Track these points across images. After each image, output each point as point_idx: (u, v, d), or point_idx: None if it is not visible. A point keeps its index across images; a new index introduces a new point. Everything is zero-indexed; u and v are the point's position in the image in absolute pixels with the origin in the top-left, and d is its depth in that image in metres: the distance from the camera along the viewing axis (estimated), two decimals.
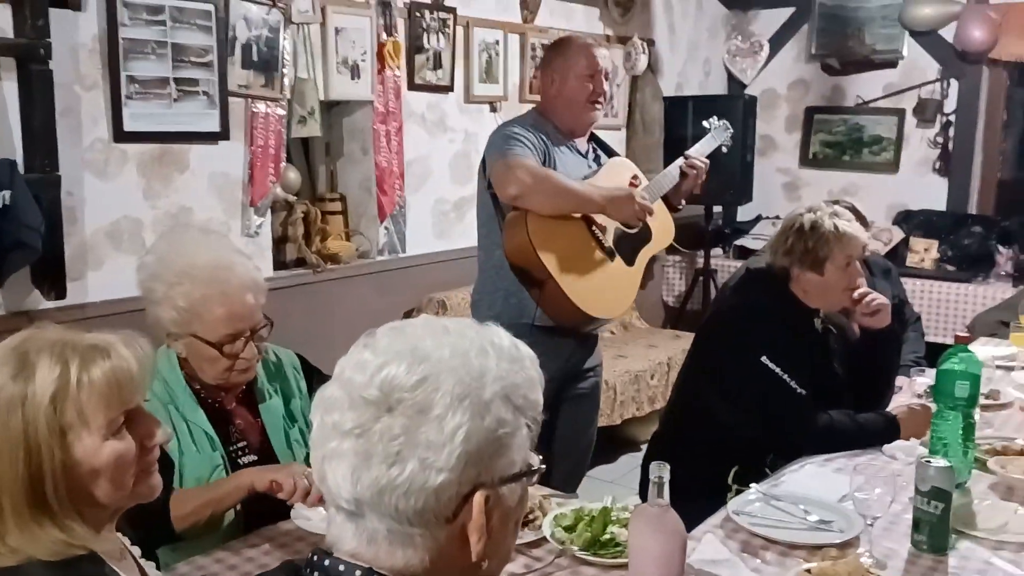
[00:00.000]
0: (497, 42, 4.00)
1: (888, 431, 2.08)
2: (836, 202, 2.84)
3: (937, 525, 1.54)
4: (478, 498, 0.78)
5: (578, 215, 2.43)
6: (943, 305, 4.38)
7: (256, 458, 1.81)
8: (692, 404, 2.31)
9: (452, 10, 3.78)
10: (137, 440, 1.15)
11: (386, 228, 3.66)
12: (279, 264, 3.35)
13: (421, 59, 3.69)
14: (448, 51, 3.79)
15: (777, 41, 5.37)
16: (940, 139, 4.92)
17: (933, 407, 2.15)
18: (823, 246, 2.13)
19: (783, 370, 2.08)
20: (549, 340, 2.37)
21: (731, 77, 5.51)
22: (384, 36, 3.51)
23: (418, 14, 3.65)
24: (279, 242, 3.38)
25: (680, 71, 5.19)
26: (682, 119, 4.65)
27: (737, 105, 4.70)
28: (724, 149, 2.83)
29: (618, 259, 2.51)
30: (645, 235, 2.59)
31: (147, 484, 1.17)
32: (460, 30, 3.85)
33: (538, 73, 2.66)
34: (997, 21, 4.55)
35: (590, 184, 2.44)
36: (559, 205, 2.36)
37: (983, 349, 3.00)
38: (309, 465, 1.86)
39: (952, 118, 4.87)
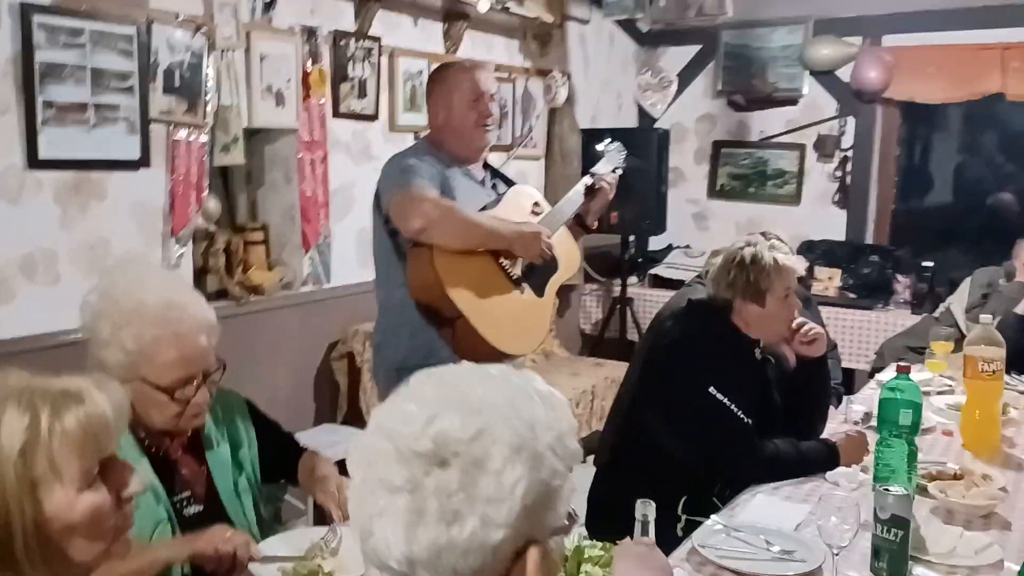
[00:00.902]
0: (421, 72, 3.98)
1: (829, 459, 2.15)
2: (764, 234, 2.95)
3: (896, 552, 1.59)
4: (533, 553, 0.76)
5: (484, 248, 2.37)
6: (848, 332, 4.59)
7: (202, 508, 1.72)
8: (637, 436, 2.33)
9: (377, 39, 3.75)
10: (112, 491, 1.07)
11: (310, 258, 3.58)
12: None
13: (346, 87, 3.64)
14: (373, 80, 3.76)
15: (685, 77, 5.56)
16: (839, 173, 5.17)
17: (868, 434, 2.27)
18: (764, 279, 2.20)
19: (730, 400, 2.12)
20: None
21: (642, 111, 5.66)
22: (309, 64, 3.45)
23: (343, 42, 3.60)
24: (199, 273, 3.25)
25: (595, 104, 5.30)
26: (599, 151, 4.73)
27: (652, 138, 4.83)
28: (619, 171, 2.75)
29: (528, 291, 2.44)
30: (552, 264, 2.51)
31: (123, 540, 1.09)
32: (385, 59, 3.82)
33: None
34: (890, 63, 4.84)
35: (496, 217, 2.39)
36: (466, 239, 2.28)
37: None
38: (257, 514, 1.78)
39: (850, 153, 5.13)
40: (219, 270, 3.28)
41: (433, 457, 0.74)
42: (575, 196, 2.61)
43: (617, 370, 4.42)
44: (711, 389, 2.13)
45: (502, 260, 2.38)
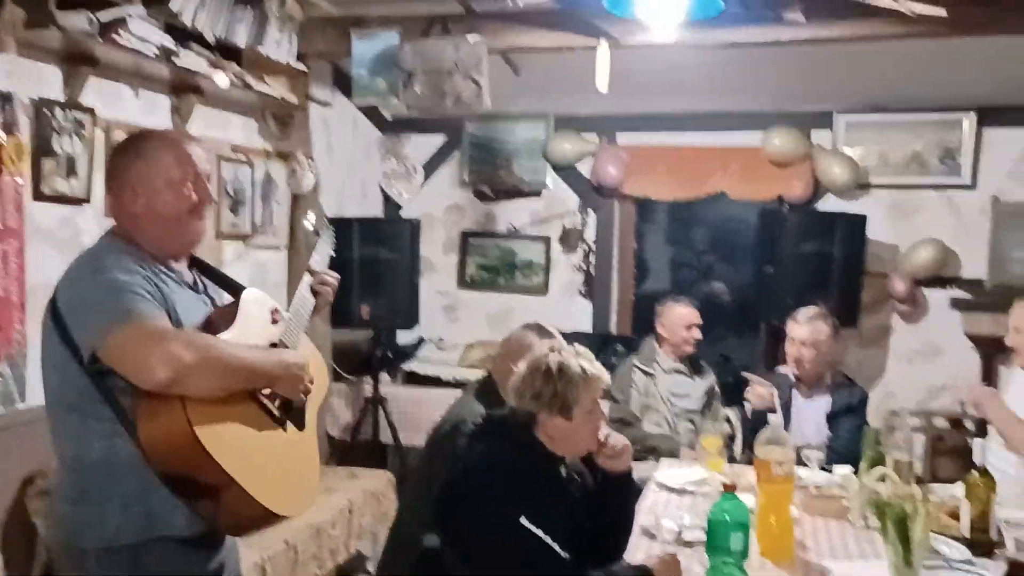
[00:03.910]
0: None
1: None
2: (541, 327, 2.79)
3: None
4: None
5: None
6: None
7: None
8: None
9: (90, 110, 3.20)
10: None
11: (0, 373, 2.88)
12: None
13: (50, 164, 3.04)
14: (85, 157, 3.18)
15: (431, 166, 5.45)
16: (583, 265, 5.27)
17: (678, 555, 2.12)
18: (572, 390, 2.00)
19: (544, 531, 1.87)
20: (193, 554, 1.81)
21: (388, 199, 5.44)
22: (3, 135, 2.82)
23: (47, 111, 3.01)
24: None
25: (339, 191, 5.00)
26: (347, 241, 4.42)
27: (404, 229, 4.61)
28: (333, 253, 2.32)
29: (290, 426, 1.91)
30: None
31: None
32: (100, 134, 3.26)
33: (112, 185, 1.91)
34: (626, 160, 5.04)
35: (255, 348, 1.85)
36: (227, 386, 1.74)
37: (671, 473, 3.10)
38: None
39: (592, 246, 5.25)
40: None
41: None
42: (307, 294, 2.12)
43: (375, 480, 4.04)
44: (523, 520, 1.86)
45: (261, 396, 1.84)
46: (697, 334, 4.03)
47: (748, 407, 3.56)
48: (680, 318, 4.02)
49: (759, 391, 3.43)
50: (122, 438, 1.72)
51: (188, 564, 1.79)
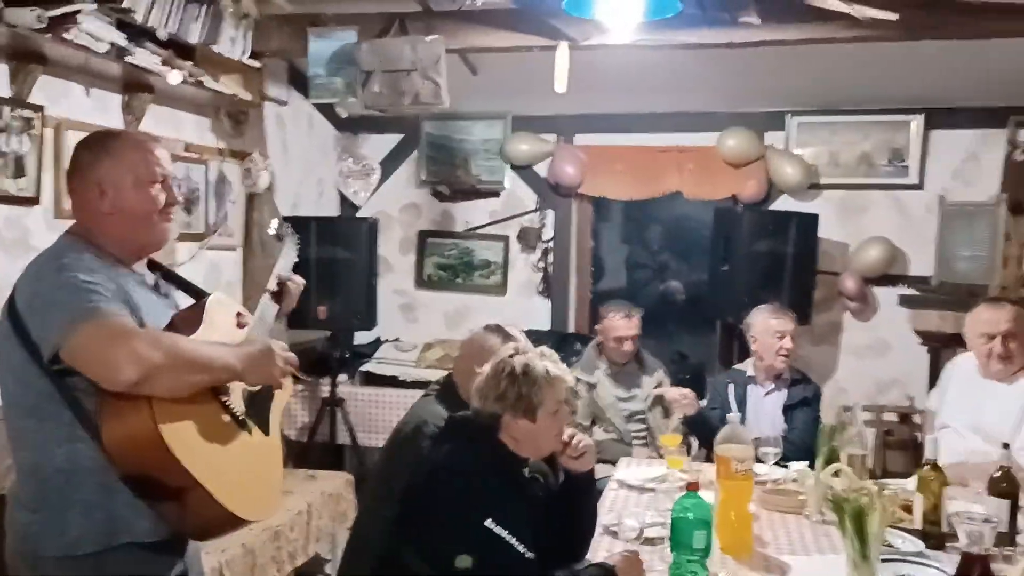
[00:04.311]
0: None
1: None
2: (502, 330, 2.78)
3: None
4: None
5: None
6: None
7: None
8: None
9: (39, 108, 3.12)
10: None
11: None
12: None
13: None
14: (34, 156, 3.11)
15: (388, 165, 5.42)
16: (541, 264, 5.28)
17: (641, 553, 2.14)
18: (537, 392, 2.00)
19: (510, 533, 1.88)
20: (156, 560, 1.78)
21: (344, 198, 5.40)
22: None
23: None
24: None
25: (295, 190, 4.94)
26: (304, 241, 4.34)
27: (361, 228, 4.57)
28: (296, 258, 2.31)
29: (255, 431, 1.89)
30: (268, 390, 1.98)
31: None
32: (49, 132, 3.19)
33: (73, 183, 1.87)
34: (583, 160, 5.07)
35: (219, 344, 1.82)
36: (194, 383, 1.72)
37: (631, 471, 3.13)
38: None
39: (550, 245, 5.27)
40: None
41: None
42: (271, 300, 2.10)
43: (333, 482, 4.01)
44: (488, 522, 1.87)
45: (224, 398, 1.83)
46: (629, 347, 3.91)
47: (677, 419, 3.59)
48: (611, 330, 3.93)
49: (674, 399, 3.44)
50: (83, 442, 1.70)
51: (151, 570, 1.77)
